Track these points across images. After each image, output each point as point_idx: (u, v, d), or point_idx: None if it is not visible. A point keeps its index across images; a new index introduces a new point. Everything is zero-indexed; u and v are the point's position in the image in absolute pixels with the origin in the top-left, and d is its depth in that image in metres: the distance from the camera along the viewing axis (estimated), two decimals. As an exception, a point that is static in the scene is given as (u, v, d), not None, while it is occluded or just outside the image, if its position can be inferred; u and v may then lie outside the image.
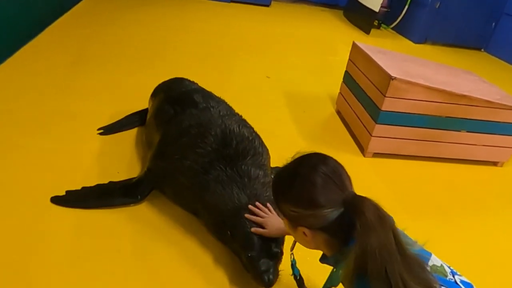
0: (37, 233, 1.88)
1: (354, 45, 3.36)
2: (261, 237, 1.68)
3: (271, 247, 1.66)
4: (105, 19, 5.17)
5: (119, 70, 3.79)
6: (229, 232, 1.78)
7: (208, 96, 2.39)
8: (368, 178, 2.74)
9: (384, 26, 6.79)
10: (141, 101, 3.02)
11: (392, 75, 2.66)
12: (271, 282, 1.57)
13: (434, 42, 6.34)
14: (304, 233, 1.14)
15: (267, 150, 2.15)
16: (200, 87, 2.64)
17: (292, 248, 1.52)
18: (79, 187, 2.15)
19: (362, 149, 3.01)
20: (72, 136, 2.65)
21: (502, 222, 2.57)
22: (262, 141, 2.13)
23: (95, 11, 5.44)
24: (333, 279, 1.27)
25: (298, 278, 1.54)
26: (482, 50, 6.48)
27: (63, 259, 1.77)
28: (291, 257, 1.53)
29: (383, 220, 1.01)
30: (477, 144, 3.00)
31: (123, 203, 2.10)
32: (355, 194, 1.11)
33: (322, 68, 4.72)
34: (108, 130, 2.72)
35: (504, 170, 3.13)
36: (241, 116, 2.27)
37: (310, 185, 1.08)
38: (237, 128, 2.03)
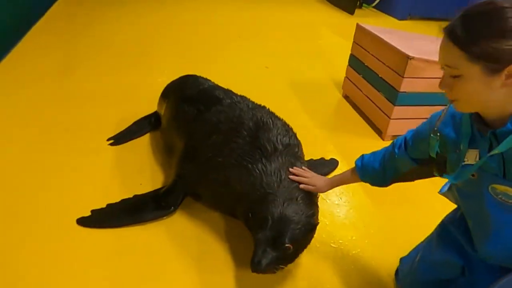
0: (71, 260, 1.71)
1: (359, 27, 3.26)
2: (274, 229, 1.55)
3: (281, 240, 1.53)
4: (82, 21, 4.90)
5: (111, 72, 3.58)
6: (250, 215, 1.64)
7: (229, 91, 2.25)
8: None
9: (366, 5, 6.73)
10: (144, 102, 2.86)
11: (410, 54, 2.58)
12: (259, 267, 1.47)
13: (417, 17, 6.33)
14: (506, 77, 1.03)
15: (300, 142, 2.03)
16: (215, 83, 2.49)
17: None
18: (103, 205, 1.98)
19: (380, 132, 2.94)
20: (81, 149, 2.45)
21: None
22: (295, 133, 2.01)
23: (69, 14, 5.14)
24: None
25: None
26: (465, 21, 6.51)
27: (105, 286, 1.62)
28: None
29: None
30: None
31: (155, 217, 1.95)
32: None
33: (315, 53, 4.61)
34: (118, 139, 2.53)
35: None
36: (269, 108, 2.15)
37: None
38: (270, 120, 1.92)
